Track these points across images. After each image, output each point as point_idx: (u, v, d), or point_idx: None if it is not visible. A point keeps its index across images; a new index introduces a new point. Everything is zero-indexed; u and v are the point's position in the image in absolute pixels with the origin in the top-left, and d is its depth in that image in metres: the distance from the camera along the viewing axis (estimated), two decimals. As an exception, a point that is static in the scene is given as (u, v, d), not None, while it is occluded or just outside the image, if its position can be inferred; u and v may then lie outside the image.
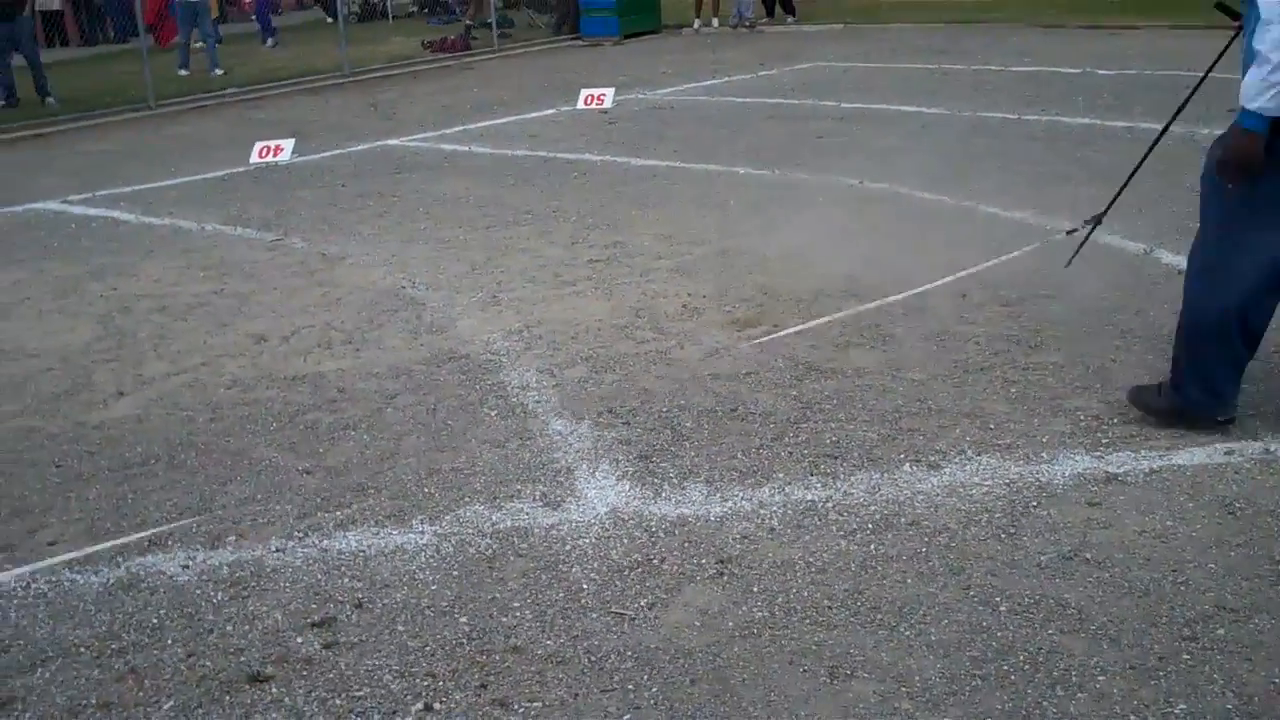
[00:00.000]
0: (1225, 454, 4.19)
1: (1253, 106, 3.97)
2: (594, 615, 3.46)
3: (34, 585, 3.83)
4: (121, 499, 4.38)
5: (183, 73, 17.29)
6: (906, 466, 4.23)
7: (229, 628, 3.51)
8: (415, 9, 27.55)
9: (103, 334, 6.32)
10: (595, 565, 3.72)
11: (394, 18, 26.17)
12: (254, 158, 10.87)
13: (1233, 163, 4.11)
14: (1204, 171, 4.37)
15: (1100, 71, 12.93)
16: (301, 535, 4.03)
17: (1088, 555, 3.61)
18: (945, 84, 12.70)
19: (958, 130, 10.06)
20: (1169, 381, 4.47)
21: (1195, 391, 4.37)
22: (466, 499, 4.21)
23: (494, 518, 4.06)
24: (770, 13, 20.70)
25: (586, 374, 5.28)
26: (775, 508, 4.00)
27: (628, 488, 4.20)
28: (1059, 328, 5.43)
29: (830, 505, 3.99)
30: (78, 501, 4.40)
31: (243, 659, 3.36)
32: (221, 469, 4.58)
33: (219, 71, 17.27)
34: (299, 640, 3.43)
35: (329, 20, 25.93)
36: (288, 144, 11.06)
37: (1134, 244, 6.59)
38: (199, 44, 20.00)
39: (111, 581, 3.82)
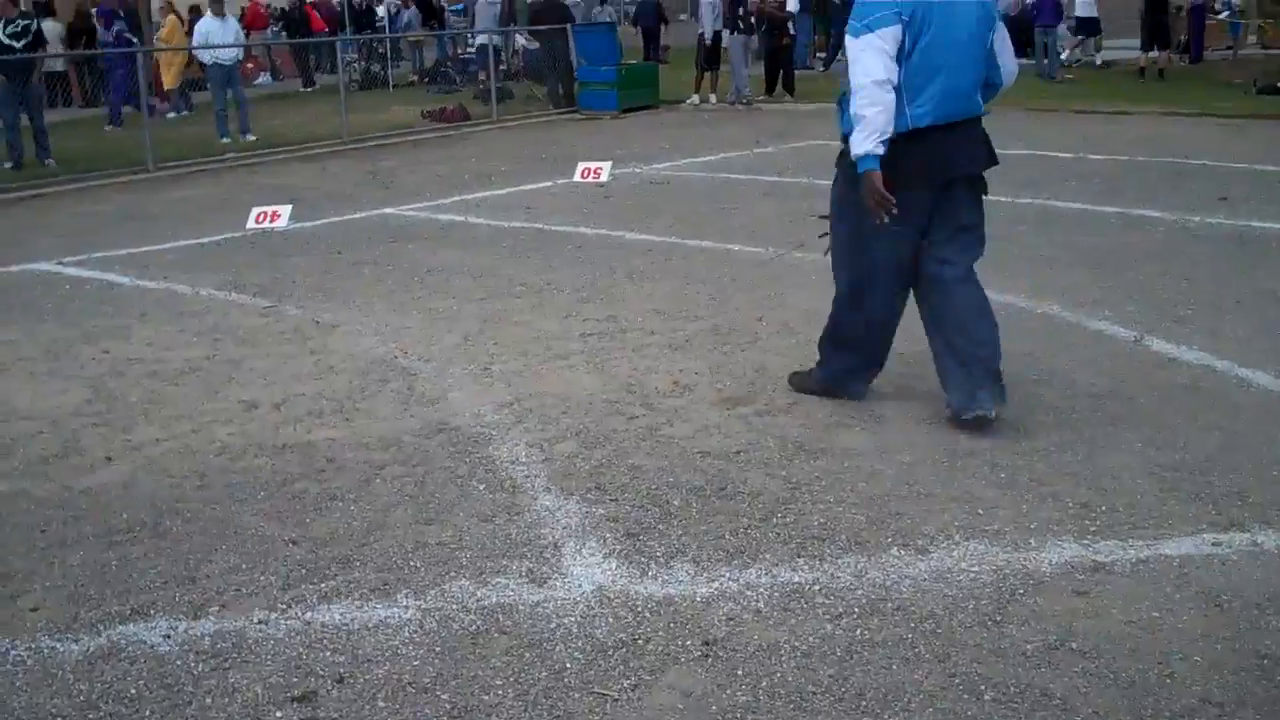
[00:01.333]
0: (1213, 545, 4.19)
1: (861, 151, 5.06)
2: (576, 695, 3.43)
3: (13, 652, 3.80)
4: (106, 565, 4.36)
5: (226, 140, 17.10)
6: (894, 550, 4.22)
7: (208, 700, 3.49)
8: (415, 78, 27.80)
9: (93, 397, 6.31)
10: (580, 644, 3.70)
11: (394, 86, 26.39)
12: (251, 223, 10.91)
13: (871, 201, 5.10)
14: (832, 209, 5.58)
15: (1092, 156, 13.06)
16: (285, 607, 4.01)
17: (1073, 645, 3.59)
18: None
19: (951, 212, 10.11)
20: (818, 364, 5.77)
21: (839, 375, 5.69)
22: (452, 574, 4.19)
23: (479, 593, 4.04)
24: (769, 90, 20.89)
25: (576, 449, 5.28)
26: (762, 589, 3.99)
27: (614, 566, 4.19)
28: (1049, 414, 5.44)
29: (817, 588, 3.98)
30: (61, 567, 4.37)
31: (221, 733, 3.33)
32: (207, 537, 4.57)
33: (251, 136, 17.27)
34: (278, 714, 3.40)
35: (304, 89, 26.17)
36: (285, 210, 11.11)
37: (1125, 331, 6.62)
38: (175, 106, 20.24)
39: (92, 650, 3.79)
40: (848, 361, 5.66)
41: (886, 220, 5.10)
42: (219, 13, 17.67)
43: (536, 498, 4.80)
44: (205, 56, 17.67)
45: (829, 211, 5.62)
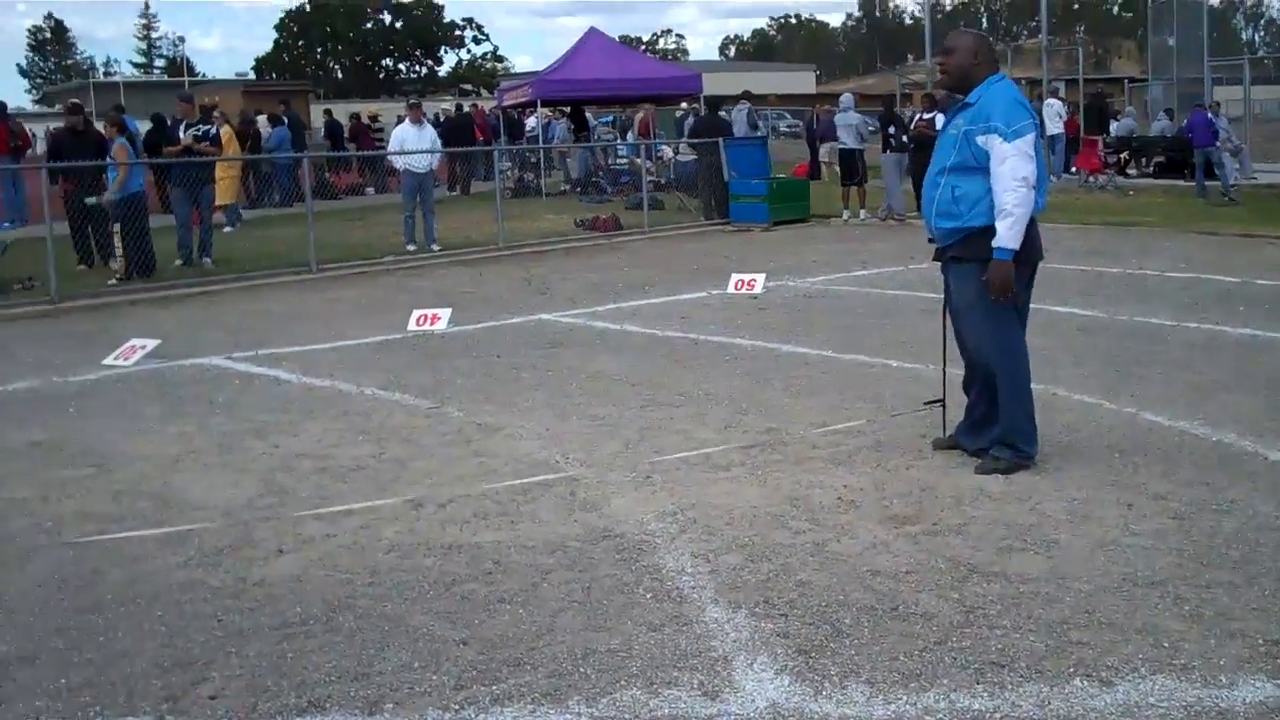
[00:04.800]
0: None
1: (1010, 245, 6.02)
2: (755, 815, 3.37)
3: (194, 740, 3.86)
4: (281, 657, 4.43)
5: (412, 247, 17.40)
6: (1077, 681, 4.09)
7: (386, 799, 3.49)
8: (567, 187, 28.35)
9: (264, 491, 6.46)
10: (755, 762, 3.63)
11: (547, 195, 26.91)
12: (411, 325, 11.17)
13: (1006, 285, 6.08)
14: (966, 300, 6.39)
15: (1260, 281, 12.75)
16: (457, 708, 4.02)
17: (1275, 790, 3.43)
18: (1100, 286, 12.63)
19: (1114, 334, 9.96)
20: (999, 446, 6.37)
21: (1030, 442, 6.39)
22: (623, 682, 4.16)
23: (651, 704, 4.01)
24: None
25: (742, 562, 5.24)
26: (940, 715, 3.89)
27: (787, 683, 4.13)
28: (1232, 545, 5.25)
29: (998, 716, 3.87)
30: (239, 657, 4.45)
31: (399, 833, 3.32)
32: (379, 634, 4.61)
33: (435, 246, 17.55)
34: (455, 818, 3.39)
35: (451, 192, 26.70)
36: (444, 313, 11.36)
37: (1306, 461, 6.39)
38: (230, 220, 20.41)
39: (270, 742, 3.84)
40: (1027, 427, 6.39)
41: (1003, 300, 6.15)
42: (417, 120, 18.12)
43: (704, 609, 4.76)
44: (399, 163, 18.06)
45: (961, 304, 6.46)
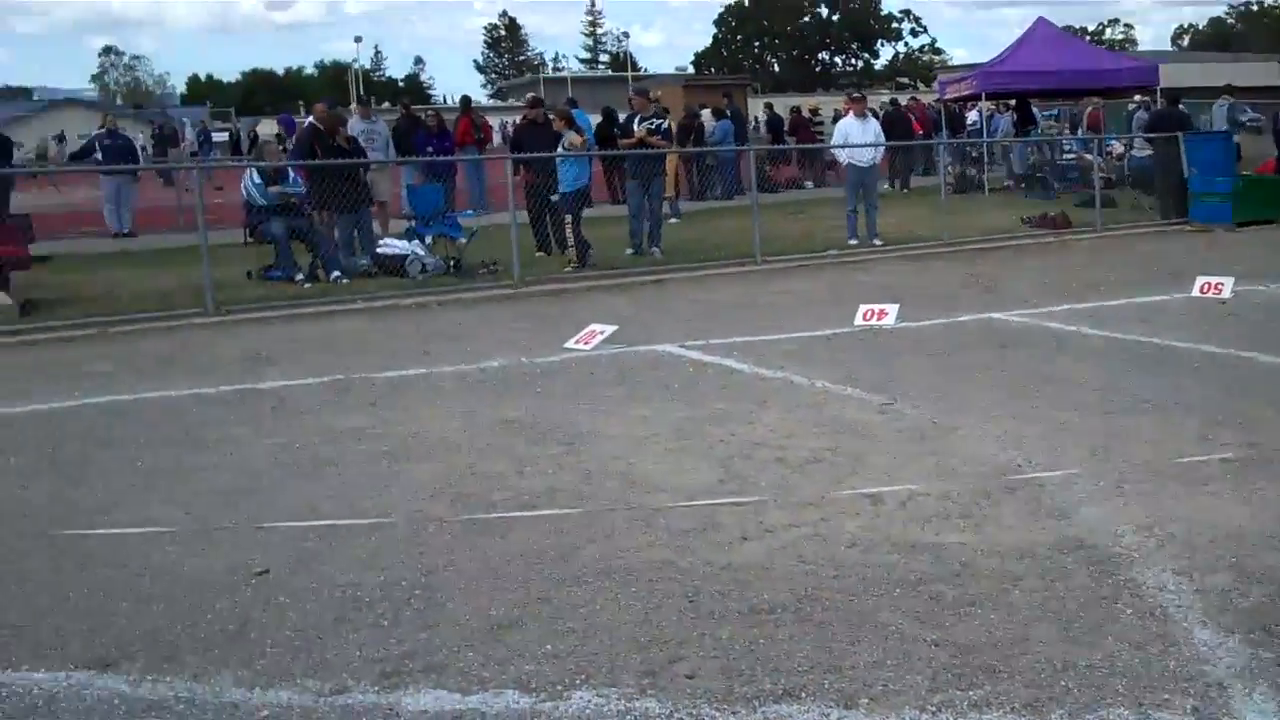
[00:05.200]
0: None
1: None
2: None
3: (675, 715, 3.97)
4: (753, 642, 4.49)
5: (854, 241, 17.34)
6: None
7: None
8: (1010, 183, 27.55)
9: (725, 477, 6.59)
10: (1263, 800, 3.39)
11: (990, 190, 26.24)
12: (859, 319, 11.13)
13: None
14: None
15: None
16: (934, 710, 3.95)
17: None
18: None
19: None
20: None
21: None
22: (1108, 700, 3.98)
23: (1140, 726, 3.81)
24: None
25: (1231, 583, 4.90)
26: None
27: (1293, 718, 3.83)
28: None
29: None
30: (711, 639, 4.54)
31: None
32: (848, 627, 4.60)
33: (878, 240, 17.44)
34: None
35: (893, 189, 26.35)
36: (892, 309, 11.25)
37: None
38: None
39: (750, 726, 3.90)
40: None
41: None
42: (860, 113, 18.00)
43: (1192, 630, 4.49)
44: (842, 157, 18.04)
45: None
